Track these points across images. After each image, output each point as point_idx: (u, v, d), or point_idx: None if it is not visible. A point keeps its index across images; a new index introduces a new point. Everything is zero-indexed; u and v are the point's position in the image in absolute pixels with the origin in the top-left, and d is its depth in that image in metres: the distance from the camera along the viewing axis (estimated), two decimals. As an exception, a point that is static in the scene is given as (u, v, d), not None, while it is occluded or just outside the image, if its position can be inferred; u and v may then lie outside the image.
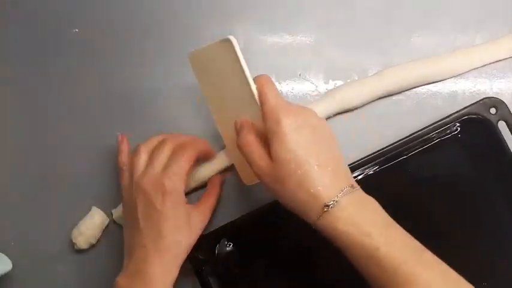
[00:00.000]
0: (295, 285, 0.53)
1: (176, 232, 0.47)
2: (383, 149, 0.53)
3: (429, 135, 0.53)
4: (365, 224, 0.39)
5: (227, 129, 0.51)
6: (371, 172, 0.53)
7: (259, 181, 0.44)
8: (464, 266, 0.53)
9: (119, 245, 0.56)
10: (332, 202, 0.38)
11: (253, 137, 0.44)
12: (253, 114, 0.45)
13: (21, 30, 0.61)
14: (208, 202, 0.52)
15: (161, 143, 0.50)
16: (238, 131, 0.45)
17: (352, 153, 0.54)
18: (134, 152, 0.51)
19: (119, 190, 0.54)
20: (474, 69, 0.57)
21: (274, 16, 0.60)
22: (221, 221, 0.53)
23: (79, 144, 0.58)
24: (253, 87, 0.44)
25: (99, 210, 0.56)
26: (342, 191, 0.39)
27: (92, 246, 0.56)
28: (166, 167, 0.48)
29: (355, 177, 0.53)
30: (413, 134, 0.53)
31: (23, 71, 0.60)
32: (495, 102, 0.53)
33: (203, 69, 0.51)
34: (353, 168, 0.53)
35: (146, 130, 0.58)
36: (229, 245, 0.52)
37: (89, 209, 0.56)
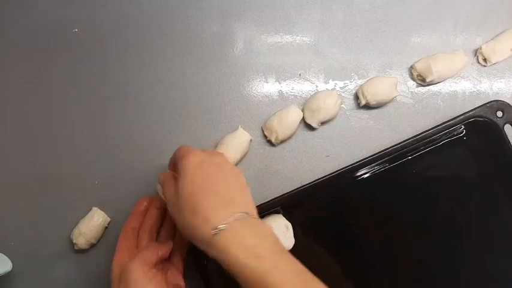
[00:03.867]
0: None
1: None
2: (388, 149, 0.53)
3: (435, 137, 0.53)
4: (255, 248, 0.40)
5: None
6: (376, 171, 0.53)
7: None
8: (465, 266, 0.53)
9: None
10: (223, 225, 0.40)
11: (169, 175, 0.47)
12: None
13: (21, 30, 0.61)
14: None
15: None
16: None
17: (358, 151, 0.54)
18: None
19: (119, 190, 0.54)
20: (474, 69, 0.58)
21: (274, 16, 0.60)
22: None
23: (79, 144, 0.58)
24: None
25: (99, 210, 0.56)
26: (233, 215, 0.41)
27: (92, 246, 0.56)
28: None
29: (360, 175, 0.53)
30: (419, 135, 0.53)
31: (22, 72, 0.60)
32: (502, 106, 0.53)
33: None
34: (359, 166, 0.53)
35: (145, 129, 0.58)
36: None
37: (89, 209, 0.56)
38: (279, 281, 0.38)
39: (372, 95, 0.56)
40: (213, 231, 0.40)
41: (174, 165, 0.47)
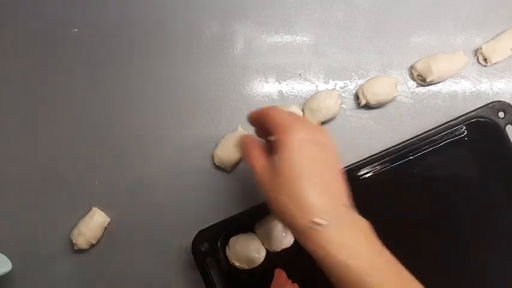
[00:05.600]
0: (294, 277, 0.53)
1: None
2: (388, 149, 0.53)
3: (436, 137, 0.53)
4: (356, 247, 0.37)
5: None
6: (377, 172, 0.53)
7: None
8: (466, 266, 0.53)
9: (119, 245, 0.57)
10: (325, 221, 0.37)
11: (255, 142, 0.43)
12: None
13: (21, 30, 0.61)
14: None
15: None
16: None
17: (358, 151, 0.54)
18: None
19: (119, 190, 0.54)
20: (474, 69, 0.58)
21: (274, 16, 0.60)
22: (224, 215, 0.52)
23: (79, 144, 0.58)
24: None
25: (99, 210, 0.56)
26: (336, 208, 0.38)
27: (92, 246, 0.56)
28: None
29: (361, 175, 0.54)
30: (420, 135, 0.53)
31: (22, 71, 0.60)
32: (504, 106, 0.52)
33: None
34: (359, 166, 0.53)
35: (145, 129, 0.58)
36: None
37: (89, 209, 0.56)
38: (377, 282, 0.36)
39: (372, 95, 0.56)
40: (313, 225, 0.37)
41: (264, 129, 0.42)
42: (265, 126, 0.42)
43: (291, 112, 0.43)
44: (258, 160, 0.41)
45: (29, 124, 0.59)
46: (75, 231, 0.55)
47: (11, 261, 0.55)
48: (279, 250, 0.52)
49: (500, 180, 0.54)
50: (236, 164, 0.56)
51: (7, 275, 0.54)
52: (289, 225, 0.39)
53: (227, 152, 0.55)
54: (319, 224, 0.37)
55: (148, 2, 0.61)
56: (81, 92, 0.59)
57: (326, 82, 0.59)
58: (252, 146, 0.42)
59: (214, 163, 0.56)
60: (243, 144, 0.43)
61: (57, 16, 0.61)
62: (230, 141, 0.55)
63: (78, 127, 0.59)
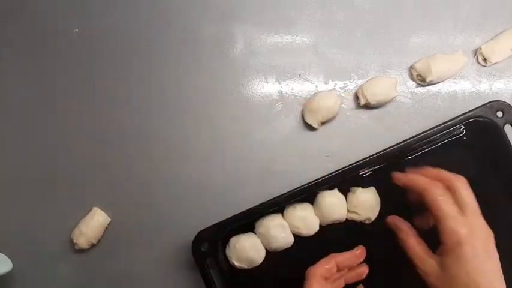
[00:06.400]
0: (294, 278, 0.53)
1: None
2: (388, 149, 0.53)
3: (435, 137, 0.53)
4: None
5: None
6: (376, 171, 0.53)
7: None
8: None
9: (119, 245, 0.57)
10: None
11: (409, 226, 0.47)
12: None
13: (22, 30, 0.61)
14: None
15: None
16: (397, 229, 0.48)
17: (358, 151, 0.54)
18: None
19: (119, 190, 0.54)
20: (474, 69, 0.58)
21: (274, 16, 0.60)
22: (224, 215, 0.53)
23: (79, 144, 0.58)
24: None
25: (99, 210, 0.56)
26: None
27: (93, 246, 0.56)
28: None
29: (361, 175, 0.54)
30: (419, 135, 0.53)
31: (23, 71, 0.60)
32: (502, 106, 0.53)
33: None
34: (359, 166, 0.53)
35: (145, 129, 0.58)
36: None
37: (89, 209, 0.57)
38: None
39: (372, 95, 0.56)
40: None
41: (420, 196, 0.45)
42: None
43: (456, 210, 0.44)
44: (423, 256, 0.44)
45: (29, 124, 0.59)
46: (76, 231, 0.55)
47: (11, 261, 0.55)
48: (279, 250, 0.52)
49: (499, 180, 0.54)
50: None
51: (7, 275, 0.54)
52: None
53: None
54: None
55: (148, 3, 0.61)
56: (82, 92, 0.59)
57: (326, 82, 0.59)
58: (410, 235, 0.46)
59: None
60: (398, 230, 0.47)
61: (57, 16, 0.61)
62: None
63: (78, 127, 0.59)
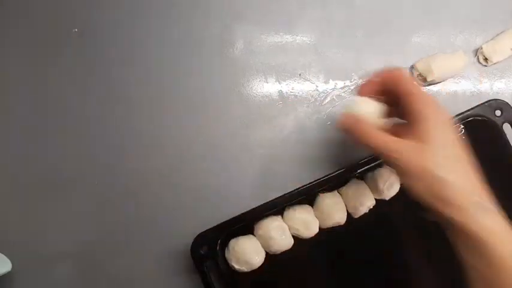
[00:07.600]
0: (294, 280, 0.53)
1: None
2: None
3: None
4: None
5: None
6: (377, 171, 0.53)
7: None
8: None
9: (119, 247, 0.57)
10: (483, 202, 0.38)
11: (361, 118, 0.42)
12: None
13: (22, 30, 0.61)
14: None
15: None
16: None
17: (357, 151, 0.54)
18: None
19: (119, 191, 0.54)
20: (474, 69, 0.58)
21: (274, 16, 0.60)
22: (223, 217, 0.53)
23: (79, 144, 0.58)
24: None
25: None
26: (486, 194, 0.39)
27: (93, 247, 0.56)
28: None
29: (361, 175, 0.54)
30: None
31: (23, 72, 0.60)
32: (500, 105, 0.53)
33: None
34: (359, 166, 0.53)
35: (145, 129, 0.58)
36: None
37: (90, 209, 0.56)
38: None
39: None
40: (475, 206, 0.37)
41: (388, 94, 0.42)
42: (393, 93, 0.41)
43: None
44: (385, 138, 0.40)
45: (29, 124, 0.59)
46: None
47: (11, 261, 0.55)
48: (279, 252, 0.52)
49: (498, 179, 0.53)
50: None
51: (7, 275, 0.54)
52: (447, 201, 0.38)
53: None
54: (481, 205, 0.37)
55: (148, 3, 0.61)
56: (82, 92, 0.59)
57: (326, 82, 0.59)
58: (365, 125, 0.41)
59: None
60: (351, 126, 0.42)
61: (57, 16, 0.61)
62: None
63: (78, 127, 0.59)
